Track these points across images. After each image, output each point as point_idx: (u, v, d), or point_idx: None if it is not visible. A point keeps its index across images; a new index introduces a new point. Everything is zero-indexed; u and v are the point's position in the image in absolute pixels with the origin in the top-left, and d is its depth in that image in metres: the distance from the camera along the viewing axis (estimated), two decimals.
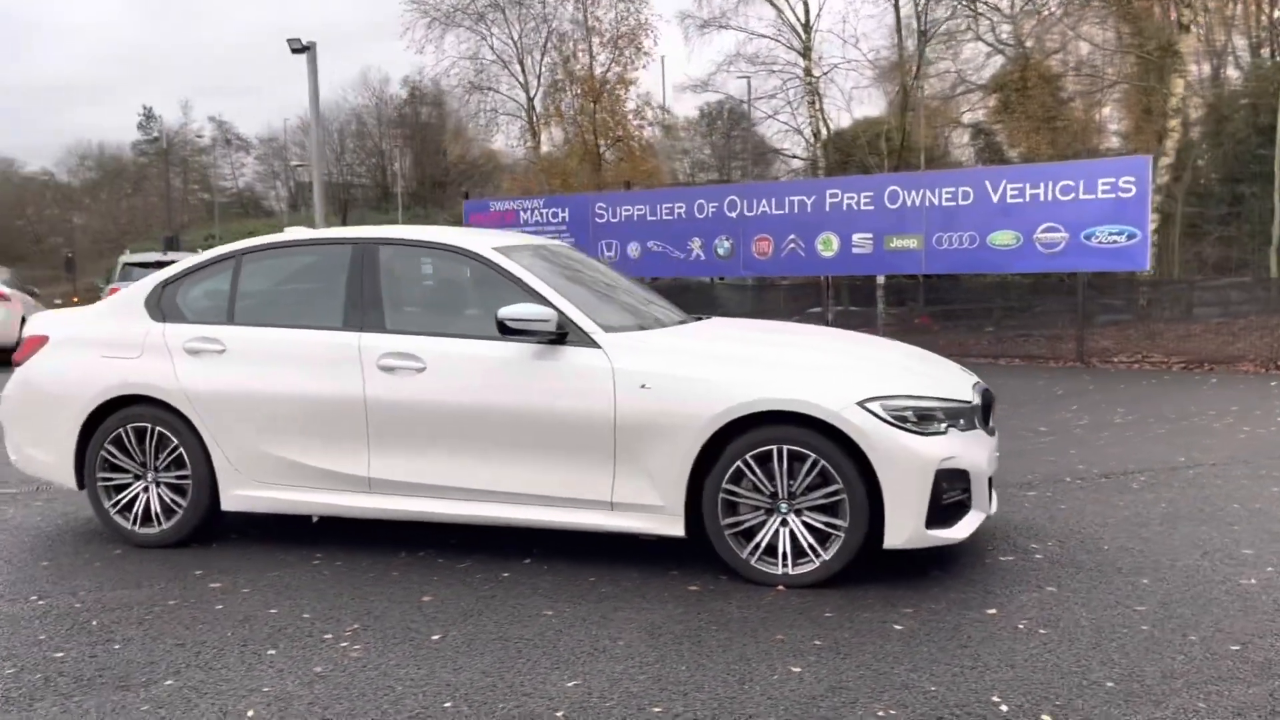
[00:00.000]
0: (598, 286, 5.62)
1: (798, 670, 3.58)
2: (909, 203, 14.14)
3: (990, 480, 4.79)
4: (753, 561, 4.50)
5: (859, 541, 4.38)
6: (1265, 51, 28.91)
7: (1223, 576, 4.54)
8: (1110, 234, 12.96)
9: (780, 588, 4.44)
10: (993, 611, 4.14)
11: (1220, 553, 4.90)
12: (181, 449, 5.19)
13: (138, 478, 5.30)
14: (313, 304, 5.27)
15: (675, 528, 4.60)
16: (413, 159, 65.43)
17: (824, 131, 26.68)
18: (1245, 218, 26.03)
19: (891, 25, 25.70)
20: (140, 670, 3.68)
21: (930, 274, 15.02)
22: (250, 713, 3.31)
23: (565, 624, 4.07)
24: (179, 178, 76.17)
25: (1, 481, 6.88)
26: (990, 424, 4.98)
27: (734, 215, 15.48)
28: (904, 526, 4.34)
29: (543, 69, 27.56)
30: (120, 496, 5.31)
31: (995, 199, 13.57)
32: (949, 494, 4.44)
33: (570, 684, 3.50)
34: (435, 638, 3.95)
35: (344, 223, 23.02)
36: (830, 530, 4.41)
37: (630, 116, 26.45)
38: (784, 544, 4.47)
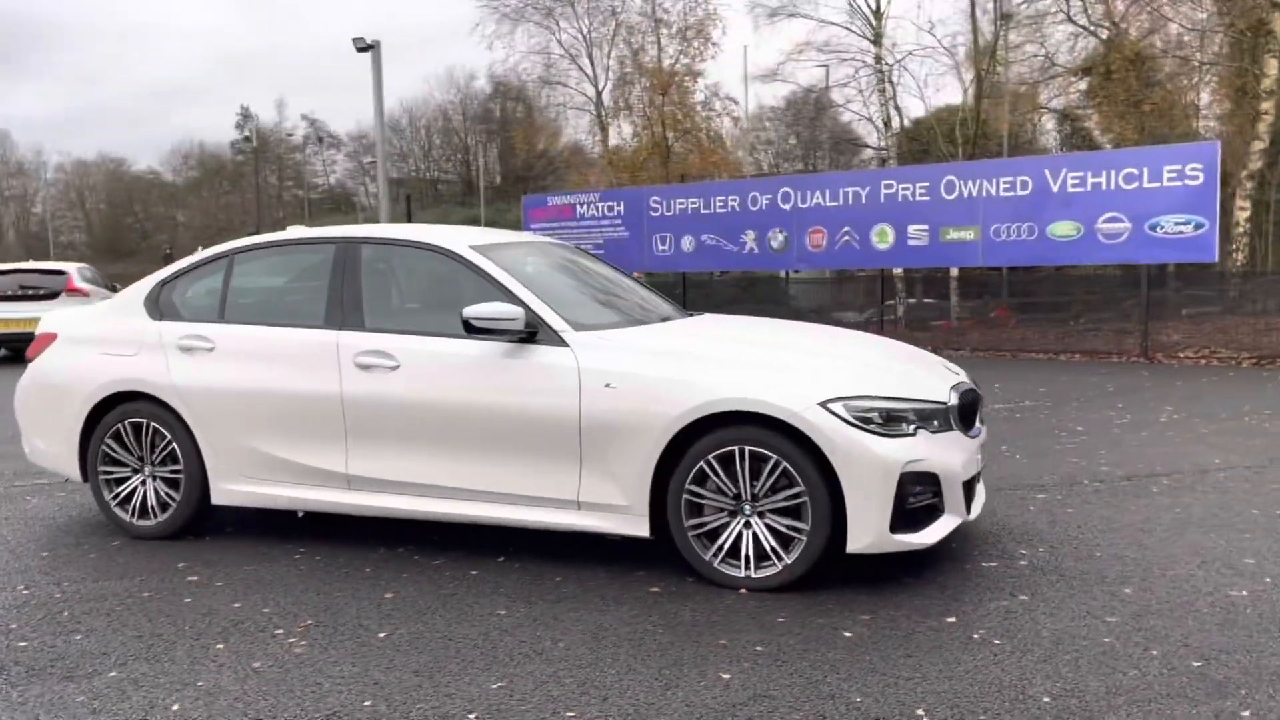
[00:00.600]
0: (584, 284, 5.60)
1: (727, 677, 3.51)
2: (966, 193, 13.79)
3: (972, 483, 4.65)
4: (715, 564, 4.43)
5: (822, 545, 4.28)
6: None
7: (1213, 587, 4.32)
8: (1176, 224, 12.47)
9: (742, 591, 4.36)
10: (952, 620, 4.01)
11: (1220, 562, 4.66)
12: (175, 444, 5.33)
13: (136, 471, 5.46)
14: (298, 302, 5.36)
15: (640, 528, 4.56)
16: (497, 153, 66.21)
17: (896, 121, 26.16)
18: None
19: (966, 10, 25.04)
20: (91, 661, 3.79)
21: (992, 266, 14.62)
22: (176, 707, 3.38)
23: (514, 624, 4.07)
24: (274, 174, 78.37)
25: (38, 473, 7.14)
26: (975, 425, 4.82)
27: (787, 207, 15.29)
28: (867, 530, 4.22)
29: (611, 62, 27.64)
30: (120, 489, 5.48)
31: (1055, 188, 13.15)
32: (917, 497, 4.31)
33: (495, 685, 3.49)
34: (381, 635, 3.98)
35: (408, 219, 23.38)
36: (793, 533, 4.32)
37: (698, 108, 26.35)
38: (747, 546, 4.39)
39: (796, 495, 4.28)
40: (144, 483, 5.44)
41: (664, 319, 5.41)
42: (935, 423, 4.44)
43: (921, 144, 29.26)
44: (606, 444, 4.53)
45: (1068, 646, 3.72)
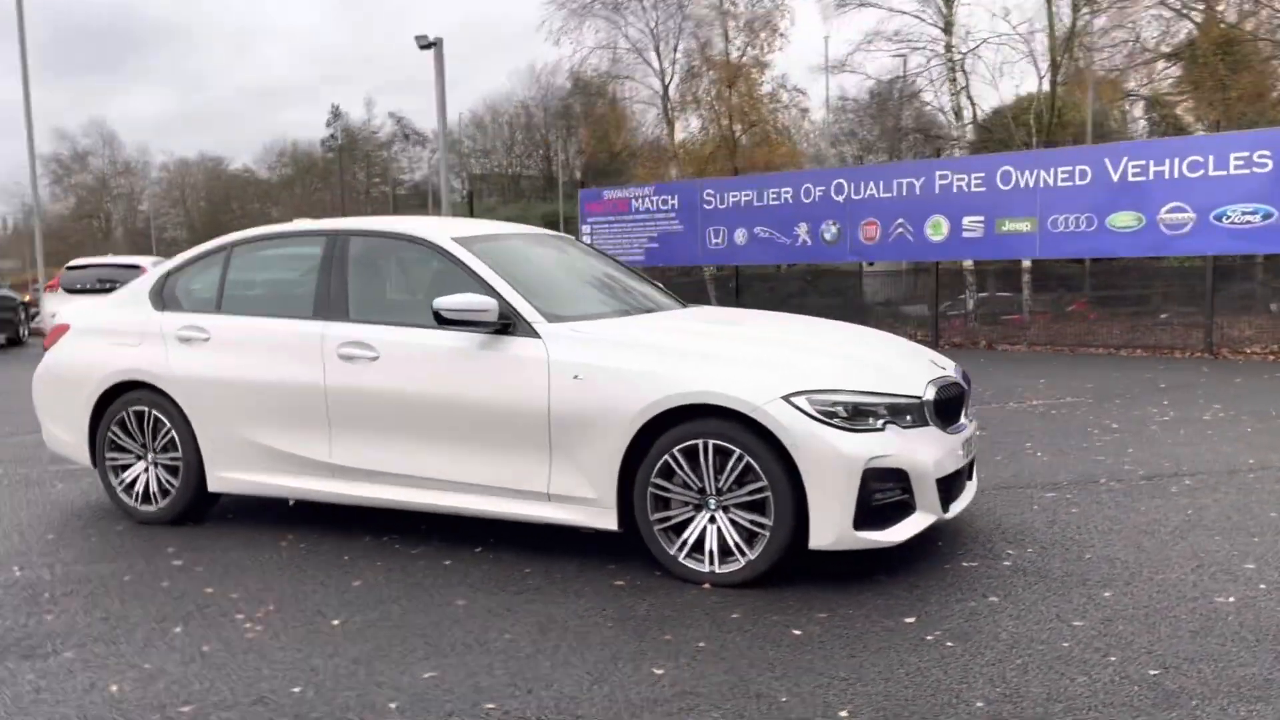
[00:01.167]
0: (570, 276, 5.58)
1: (660, 672, 3.46)
2: (1023, 183, 13.40)
3: (951, 481, 4.50)
4: (680, 558, 4.38)
5: (785, 541, 4.19)
6: None
7: (1200, 593, 4.12)
8: (1244, 213, 11.94)
9: (706, 586, 4.30)
10: (911, 620, 3.89)
11: (1217, 566, 4.45)
12: (174, 432, 5.46)
13: (139, 458, 5.61)
14: (290, 293, 5.44)
15: (608, 521, 4.52)
16: (576, 148, 66.55)
17: (968, 111, 25.52)
18: None
19: None
20: (53, 641, 3.90)
21: (1050, 258, 14.20)
22: (114, 688, 3.46)
23: (467, 615, 4.07)
24: (362, 171, 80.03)
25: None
26: (959, 421, 4.68)
27: (840, 199, 15.05)
28: (829, 527, 4.13)
29: (678, 55, 27.53)
30: (125, 475, 5.64)
31: (1115, 177, 12.70)
32: (884, 494, 4.20)
33: (428, 675, 3.50)
34: (335, 623, 4.02)
35: (470, 215, 23.52)
36: (756, 529, 4.24)
37: (765, 100, 26.08)
38: (711, 542, 4.33)
39: (759, 490, 4.20)
40: (146, 470, 5.59)
41: (648, 311, 5.36)
42: (908, 417, 4.32)
43: (997, 134, 28.50)
44: (574, 436, 4.51)
45: (1022, 650, 3.58)
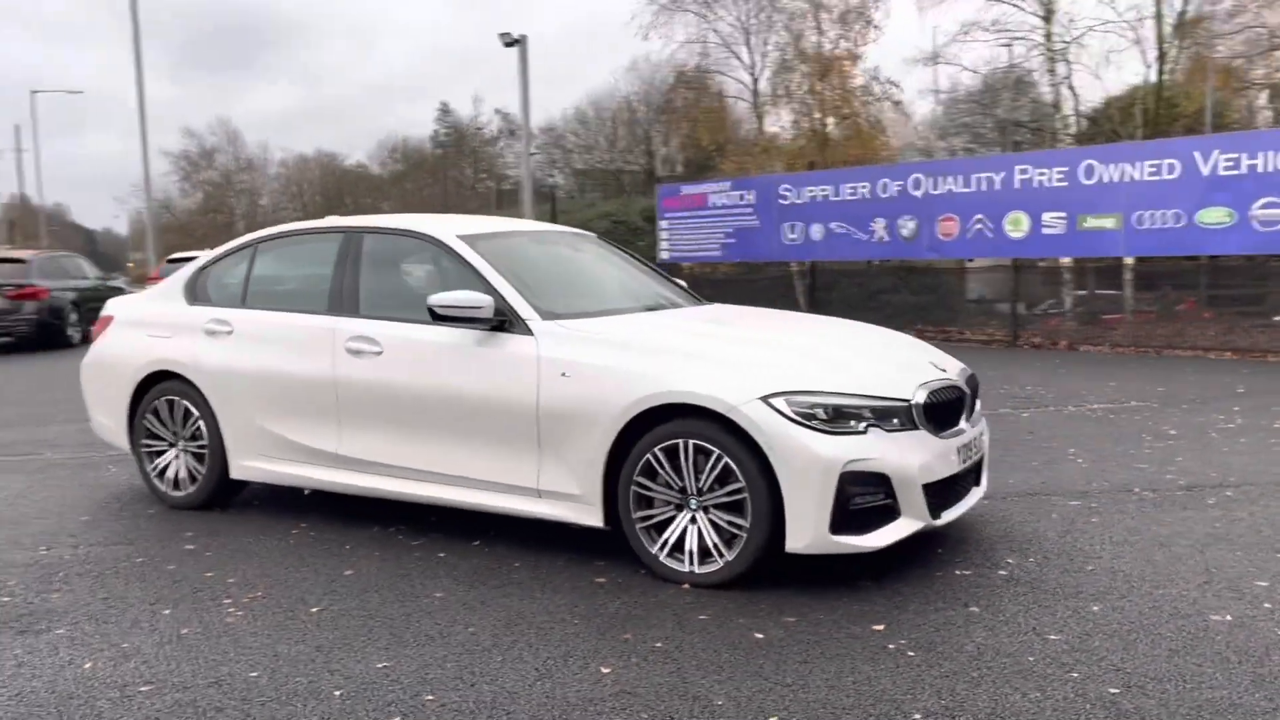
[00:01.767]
0: (575, 272, 5.61)
1: (606, 671, 3.47)
2: (1106, 178, 12.90)
3: (943, 486, 4.38)
4: (662, 557, 4.37)
5: (762, 543, 4.14)
6: None
7: (1196, 609, 3.93)
8: None
9: (685, 585, 4.28)
10: (879, 628, 3.80)
11: (1225, 582, 4.23)
12: (201, 421, 5.68)
13: (171, 446, 5.85)
14: (308, 289, 5.60)
15: (594, 518, 4.54)
16: (678, 142, 66.49)
17: (1070, 102, 24.62)
18: None
19: None
20: (50, 618, 4.10)
21: (1135, 255, 13.63)
22: (88, 665, 3.62)
23: (440, 607, 4.14)
24: (470, 167, 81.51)
25: None
26: (957, 425, 4.56)
27: (918, 194, 14.72)
28: (805, 530, 4.06)
29: (769, 48, 27.25)
30: (158, 462, 5.89)
31: (1205, 172, 12.12)
32: (863, 498, 4.11)
33: (381, 665, 3.57)
34: (313, 610, 4.13)
35: (552, 217, 23.65)
36: (735, 530, 4.20)
37: (858, 93, 25.61)
38: (691, 542, 4.31)
39: (738, 491, 4.16)
40: (177, 456, 5.83)
41: (653, 309, 5.35)
42: (895, 421, 4.22)
43: (1104, 127, 27.45)
44: (562, 433, 4.53)
45: (984, 663, 3.47)
